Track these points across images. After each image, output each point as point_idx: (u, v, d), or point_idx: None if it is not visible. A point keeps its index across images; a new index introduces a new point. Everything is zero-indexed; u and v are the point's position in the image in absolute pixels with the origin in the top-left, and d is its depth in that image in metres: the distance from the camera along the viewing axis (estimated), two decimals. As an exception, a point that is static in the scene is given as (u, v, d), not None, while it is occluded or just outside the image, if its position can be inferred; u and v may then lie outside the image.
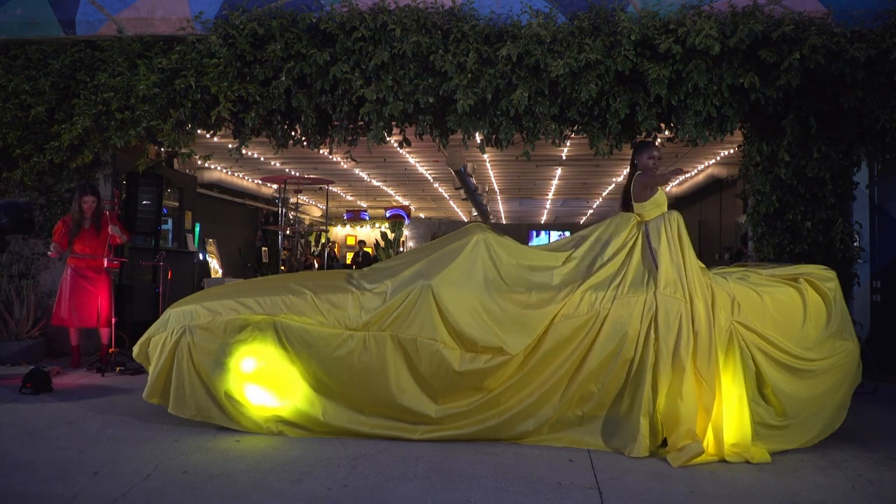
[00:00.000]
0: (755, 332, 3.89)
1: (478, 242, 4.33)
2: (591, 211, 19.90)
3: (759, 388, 3.89)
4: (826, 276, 4.14)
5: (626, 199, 4.52)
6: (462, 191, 13.30)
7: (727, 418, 3.81)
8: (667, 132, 6.53)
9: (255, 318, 4.10)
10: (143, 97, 6.20)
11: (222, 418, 4.12)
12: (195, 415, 4.13)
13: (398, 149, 9.90)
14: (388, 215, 19.17)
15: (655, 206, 4.33)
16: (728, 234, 13.09)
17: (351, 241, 20.24)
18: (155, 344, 4.21)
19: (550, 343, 3.97)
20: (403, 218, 18.92)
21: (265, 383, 4.10)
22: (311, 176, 12.09)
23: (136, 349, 4.37)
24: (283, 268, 12.27)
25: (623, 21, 5.78)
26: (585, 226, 4.79)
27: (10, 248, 6.93)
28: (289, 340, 4.06)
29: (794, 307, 4.00)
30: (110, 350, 6.20)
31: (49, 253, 6.11)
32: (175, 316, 4.22)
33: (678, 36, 5.66)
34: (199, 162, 10.99)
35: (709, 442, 3.80)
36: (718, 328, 3.88)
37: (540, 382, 4.00)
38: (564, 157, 11.40)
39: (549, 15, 6.07)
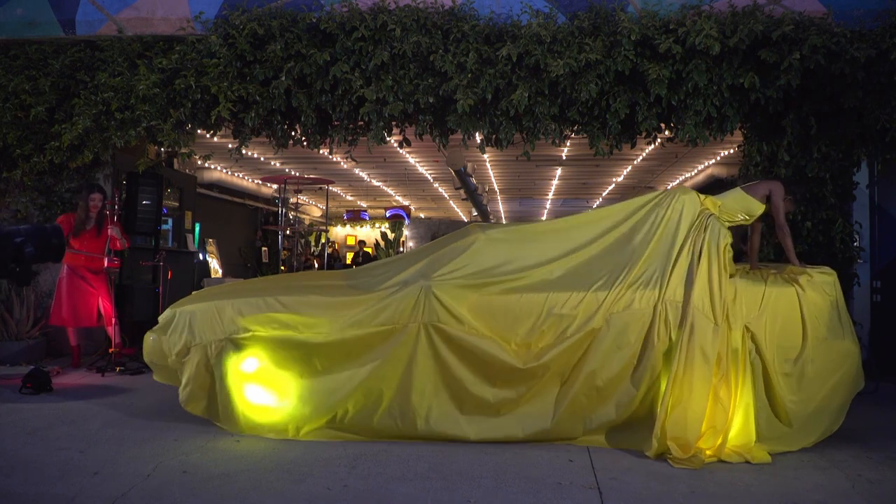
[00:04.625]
0: (758, 336, 3.89)
1: (478, 242, 4.33)
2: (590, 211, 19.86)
3: (765, 392, 3.89)
4: (826, 277, 4.14)
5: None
6: (462, 191, 13.28)
7: (733, 423, 3.81)
8: (667, 132, 6.53)
9: (284, 318, 4.09)
10: (143, 97, 6.20)
11: (271, 431, 4.08)
12: (243, 430, 4.12)
13: (398, 149, 9.89)
14: (388, 215, 19.14)
15: (742, 208, 4.32)
16: (728, 234, 13.06)
17: (351, 241, 20.20)
18: (172, 349, 4.17)
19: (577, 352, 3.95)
20: (403, 218, 18.89)
21: (312, 392, 4.07)
22: (311, 176, 12.08)
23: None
24: (283, 268, 12.26)
25: (623, 21, 5.78)
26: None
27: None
28: (313, 346, 4.05)
29: (794, 309, 3.99)
30: (110, 350, 6.20)
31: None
32: (201, 322, 4.15)
33: (678, 36, 5.66)
34: (199, 162, 10.97)
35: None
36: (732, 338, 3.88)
37: (555, 390, 4.00)
38: (564, 157, 11.40)
39: (549, 15, 6.07)
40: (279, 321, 4.08)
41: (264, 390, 4.11)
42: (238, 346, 4.07)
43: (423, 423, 3.98)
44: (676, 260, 4.05)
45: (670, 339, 3.88)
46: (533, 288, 4.10)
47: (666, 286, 3.98)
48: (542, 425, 3.97)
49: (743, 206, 4.34)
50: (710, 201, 4.30)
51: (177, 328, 4.20)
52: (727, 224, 4.27)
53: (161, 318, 4.33)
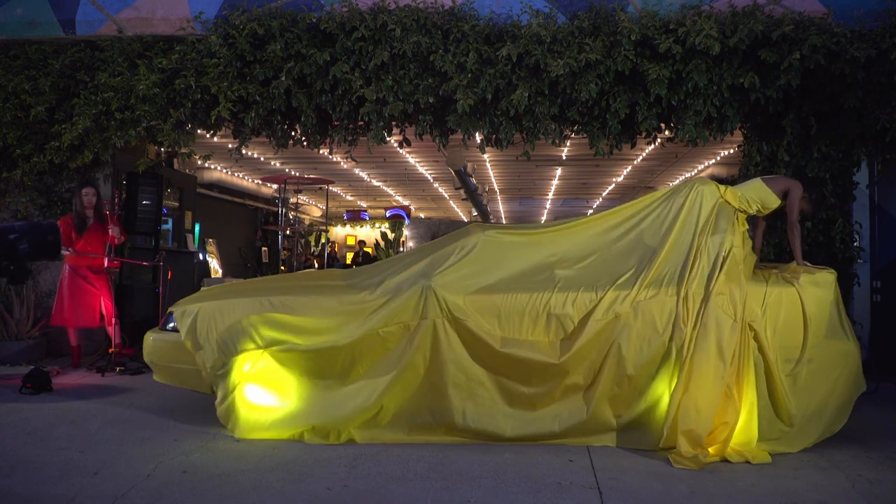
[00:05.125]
0: (761, 335, 3.90)
1: (478, 242, 4.33)
2: (590, 211, 19.89)
3: (767, 392, 3.89)
4: (826, 277, 4.13)
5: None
6: (462, 191, 13.28)
7: (738, 423, 3.81)
8: (667, 132, 6.53)
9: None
10: (143, 97, 6.20)
11: (315, 436, 4.05)
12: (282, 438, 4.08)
13: (398, 149, 9.89)
14: (388, 215, 19.14)
15: (760, 199, 4.32)
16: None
17: (351, 241, 20.20)
18: (206, 362, 4.10)
19: (594, 346, 3.94)
20: (403, 218, 18.88)
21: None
22: (311, 176, 12.08)
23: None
24: (283, 268, 12.26)
25: (623, 21, 5.78)
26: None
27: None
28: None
29: (795, 309, 3.98)
30: (110, 350, 6.20)
31: (65, 253, 6.11)
32: (231, 331, 4.07)
33: (678, 36, 5.66)
34: (199, 162, 10.97)
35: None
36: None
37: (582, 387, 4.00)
38: (564, 157, 11.40)
39: (549, 15, 6.07)
40: (304, 328, 4.06)
41: (301, 398, 4.08)
42: (275, 357, 4.05)
43: (461, 419, 3.97)
44: (698, 253, 4.07)
45: (692, 330, 3.87)
46: (552, 287, 4.08)
47: (688, 278, 3.99)
48: (579, 418, 3.95)
49: (761, 197, 4.35)
50: (730, 193, 4.29)
51: (208, 339, 4.09)
52: (741, 213, 4.29)
53: (181, 324, 4.15)
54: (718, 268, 3.99)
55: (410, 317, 4.03)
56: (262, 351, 4.05)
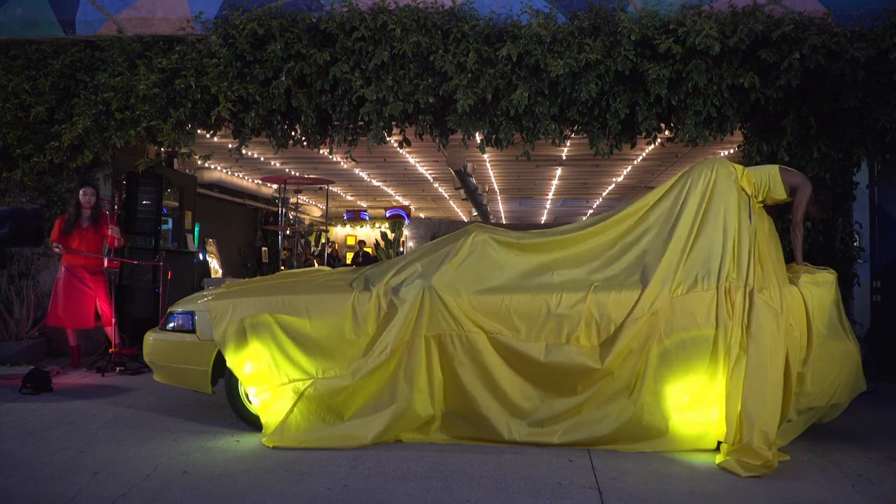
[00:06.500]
0: None
1: (479, 243, 4.32)
2: (590, 211, 19.89)
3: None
4: (827, 277, 4.13)
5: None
6: (462, 191, 13.29)
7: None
8: (667, 132, 6.53)
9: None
10: (143, 97, 6.21)
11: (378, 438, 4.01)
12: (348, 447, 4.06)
13: (398, 149, 9.89)
14: (388, 215, 19.13)
15: (768, 188, 4.26)
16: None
17: (351, 241, 20.20)
18: (269, 390, 4.05)
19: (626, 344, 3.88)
20: (403, 218, 18.88)
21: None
22: (311, 176, 12.09)
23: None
24: (282, 268, 12.25)
25: (623, 21, 5.79)
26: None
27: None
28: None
29: (800, 308, 3.97)
30: (110, 350, 6.20)
31: (56, 250, 6.10)
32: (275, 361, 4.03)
33: (678, 36, 5.66)
34: (199, 162, 10.97)
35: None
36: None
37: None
38: (564, 157, 11.40)
39: (549, 15, 6.08)
40: (325, 345, 4.07)
41: (365, 406, 4.05)
42: (323, 385, 4.00)
43: (507, 432, 3.95)
44: (727, 242, 4.02)
45: (739, 326, 3.81)
46: (588, 288, 4.03)
47: (725, 270, 3.93)
48: (626, 417, 3.87)
49: (770, 186, 4.27)
50: (746, 178, 4.22)
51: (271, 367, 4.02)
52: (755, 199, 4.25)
53: (217, 326, 4.09)
54: (748, 260, 3.94)
55: (444, 326, 4.00)
56: (310, 379, 4.01)
